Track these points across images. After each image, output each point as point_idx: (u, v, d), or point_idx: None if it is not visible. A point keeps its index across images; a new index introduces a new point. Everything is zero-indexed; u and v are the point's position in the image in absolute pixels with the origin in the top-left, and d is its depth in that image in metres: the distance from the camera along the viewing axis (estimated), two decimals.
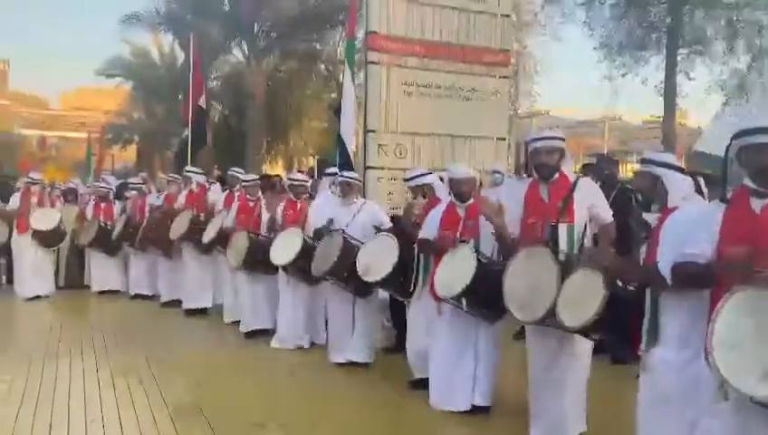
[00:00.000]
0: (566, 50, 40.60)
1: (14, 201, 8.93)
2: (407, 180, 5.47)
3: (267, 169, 20.90)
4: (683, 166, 3.25)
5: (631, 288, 3.14)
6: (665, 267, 2.66)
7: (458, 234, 4.44)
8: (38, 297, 8.72)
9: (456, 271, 4.13)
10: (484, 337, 4.45)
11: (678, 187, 2.94)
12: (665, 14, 15.04)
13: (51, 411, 4.38)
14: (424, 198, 5.22)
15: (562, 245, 3.71)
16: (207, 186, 8.36)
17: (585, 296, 3.11)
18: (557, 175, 3.86)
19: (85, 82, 68.43)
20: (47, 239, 8.85)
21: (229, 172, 8.00)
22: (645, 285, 2.93)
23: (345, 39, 10.89)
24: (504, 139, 7.85)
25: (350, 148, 7.19)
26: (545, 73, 27.22)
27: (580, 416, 3.85)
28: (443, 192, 4.89)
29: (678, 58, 14.99)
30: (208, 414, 4.33)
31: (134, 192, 9.23)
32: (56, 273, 9.36)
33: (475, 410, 4.41)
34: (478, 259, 4.10)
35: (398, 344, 5.74)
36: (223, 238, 6.93)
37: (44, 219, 8.77)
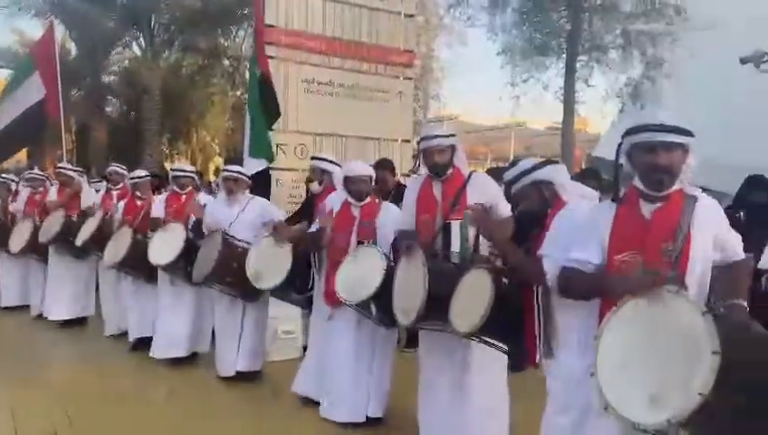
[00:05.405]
0: (473, 54, 41.08)
1: None
2: (312, 159, 5.28)
3: (170, 167, 19.90)
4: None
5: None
6: (550, 268, 2.50)
7: (353, 235, 4.20)
8: None
9: (362, 274, 3.82)
10: (382, 344, 4.24)
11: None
12: (565, 20, 15.43)
13: None
14: (319, 184, 5.01)
15: (455, 243, 3.52)
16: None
17: (474, 298, 2.90)
18: (450, 171, 3.68)
19: None
20: None
21: (109, 169, 7.05)
22: (526, 278, 2.77)
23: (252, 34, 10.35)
24: (409, 141, 7.73)
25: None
26: (453, 77, 27.61)
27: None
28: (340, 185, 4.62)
29: (578, 65, 15.39)
30: None
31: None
32: None
33: (370, 421, 4.18)
34: (387, 261, 3.82)
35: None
36: (99, 241, 6.19)
37: None
